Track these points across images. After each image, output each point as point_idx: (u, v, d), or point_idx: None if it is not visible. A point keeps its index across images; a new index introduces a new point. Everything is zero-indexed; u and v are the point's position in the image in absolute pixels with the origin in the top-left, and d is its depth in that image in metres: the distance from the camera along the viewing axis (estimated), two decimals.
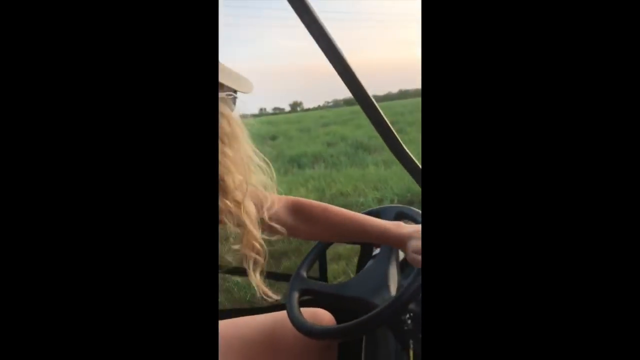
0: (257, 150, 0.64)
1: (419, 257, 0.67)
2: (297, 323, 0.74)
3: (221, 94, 0.57)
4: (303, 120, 16.92)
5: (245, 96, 0.63)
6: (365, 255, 1.06)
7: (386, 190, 4.18)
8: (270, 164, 0.66)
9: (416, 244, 0.69)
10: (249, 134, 0.65)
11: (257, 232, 0.65)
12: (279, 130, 13.17)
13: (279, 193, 0.75)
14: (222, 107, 0.57)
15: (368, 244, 1.02)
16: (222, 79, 0.55)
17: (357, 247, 1.08)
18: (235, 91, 0.59)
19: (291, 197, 0.81)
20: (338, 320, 0.89)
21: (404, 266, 0.86)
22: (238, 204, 0.60)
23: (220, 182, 0.58)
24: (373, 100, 0.92)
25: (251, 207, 0.63)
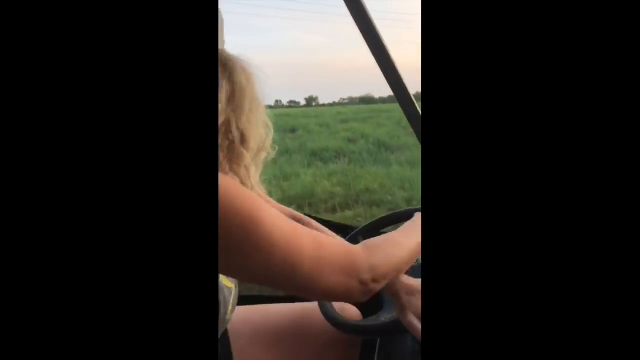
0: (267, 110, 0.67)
1: (417, 324, 0.63)
2: (331, 317, 0.75)
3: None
4: (321, 115, 16.89)
5: (262, 88, 0.65)
6: None
7: (414, 191, 4.21)
8: (272, 127, 0.69)
9: (414, 303, 0.65)
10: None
11: (259, 187, 0.69)
12: (298, 123, 13.18)
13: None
14: (242, 64, 0.62)
15: None
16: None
17: None
18: None
19: (292, 211, 0.84)
20: (365, 315, 0.90)
21: None
22: (247, 168, 0.64)
23: (242, 135, 0.62)
24: (412, 98, 0.94)
25: (254, 172, 0.67)
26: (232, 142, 0.61)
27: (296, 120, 14.50)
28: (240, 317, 0.85)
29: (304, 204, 4.12)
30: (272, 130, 0.68)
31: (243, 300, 1.10)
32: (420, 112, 0.93)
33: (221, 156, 0.62)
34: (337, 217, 3.70)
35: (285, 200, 4.28)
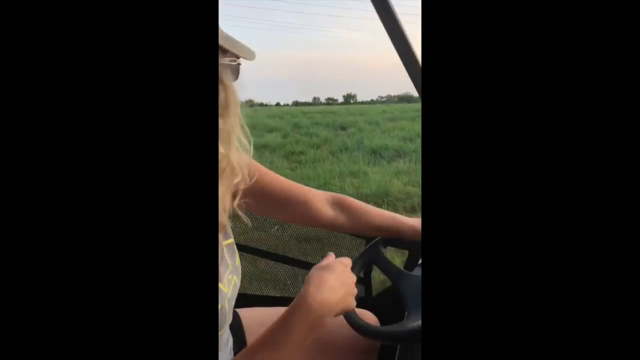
0: (245, 126, 0.61)
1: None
2: (352, 320, 0.74)
3: (223, 60, 0.56)
4: (365, 113, 16.84)
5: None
6: (410, 263, 1.04)
7: None
8: (252, 141, 0.63)
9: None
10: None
11: (225, 213, 0.63)
12: (345, 120, 13.18)
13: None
14: (222, 74, 0.55)
15: (416, 252, 1.03)
16: (225, 44, 0.54)
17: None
18: (237, 57, 0.58)
19: (334, 194, 0.89)
20: (382, 322, 0.90)
21: None
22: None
23: None
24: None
25: (225, 183, 0.61)
26: None
27: (342, 118, 14.51)
28: (258, 319, 0.83)
29: (381, 202, 4.09)
30: (249, 149, 0.62)
31: (255, 300, 1.10)
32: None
33: None
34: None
35: (361, 198, 4.27)
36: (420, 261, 0.93)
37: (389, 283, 1.47)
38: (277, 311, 0.87)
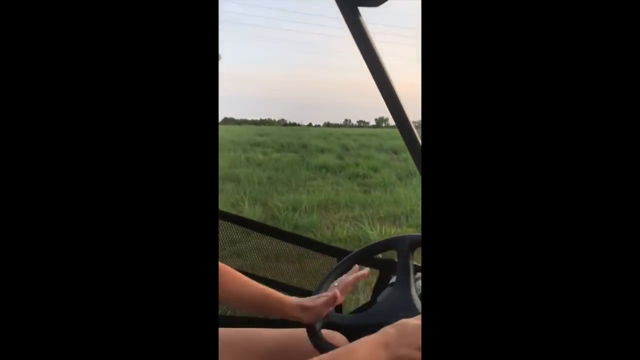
0: None
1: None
2: (319, 344, 0.76)
3: None
4: None
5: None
6: (381, 283, 1.06)
7: None
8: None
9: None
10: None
11: None
12: (393, 144, 13.01)
13: None
14: None
15: (386, 271, 1.04)
16: None
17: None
18: None
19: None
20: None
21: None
22: None
23: None
24: (412, 125, 0.92)
25: None
26: None
27: (388, 142, 14.37)
28: (224, 340, 0.82)
29: None
30: None
31: (227, 321, 1.09)
32: (419, 139, 0.92)
33: None
34: None
35: None
36: (390, 280, 0.94)
37: (361, 302, 1.43)
38: (245, 331, 0.87)
